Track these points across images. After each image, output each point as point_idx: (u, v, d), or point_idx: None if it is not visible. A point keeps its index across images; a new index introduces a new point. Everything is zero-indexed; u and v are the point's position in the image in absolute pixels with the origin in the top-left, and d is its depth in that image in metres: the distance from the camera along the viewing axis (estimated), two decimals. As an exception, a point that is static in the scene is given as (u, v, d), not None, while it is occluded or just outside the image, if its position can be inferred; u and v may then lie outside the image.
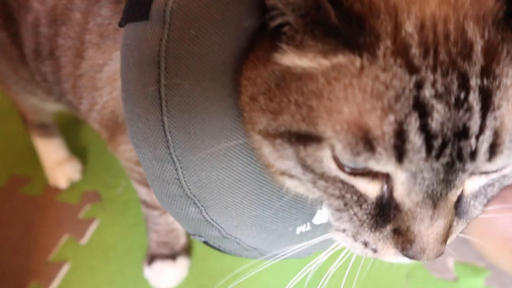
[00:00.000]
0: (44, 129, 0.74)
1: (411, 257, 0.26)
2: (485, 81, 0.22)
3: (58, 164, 0.74)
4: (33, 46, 0.52)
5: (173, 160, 0.29)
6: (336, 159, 0.24)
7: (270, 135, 0.27)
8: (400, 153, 0.22)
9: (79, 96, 0.51)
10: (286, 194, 0.33)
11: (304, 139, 0.25)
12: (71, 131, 0.82)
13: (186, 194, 0.31)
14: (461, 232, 0.61)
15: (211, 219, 0.32)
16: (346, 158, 0.24)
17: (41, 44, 0.51)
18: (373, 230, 0.27)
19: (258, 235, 0.34)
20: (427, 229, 0.25)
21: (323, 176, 0.26)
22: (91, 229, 0.68)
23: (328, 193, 0.27)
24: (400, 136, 0.22)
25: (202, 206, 0.31)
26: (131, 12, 0.30)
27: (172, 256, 0.60)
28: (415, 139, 0.22)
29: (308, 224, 0.35)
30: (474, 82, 0.22)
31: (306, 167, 0.26)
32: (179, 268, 0.60)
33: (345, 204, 0.27)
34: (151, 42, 0.28)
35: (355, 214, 0.27)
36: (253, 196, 0.32)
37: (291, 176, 0.28)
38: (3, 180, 0.76)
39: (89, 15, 0.47)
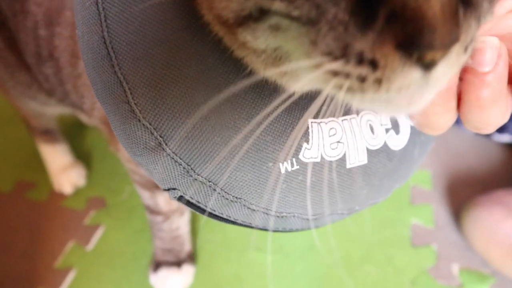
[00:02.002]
0: (49, 135, 0.74)
1: (420, 46, 0.19)
2: None
3: (63, 170, 0.75)
4: (34, 50, 0.53)
5: (120, 81, 0.26)
6: None
7: None
8: None
9: (80, 95, 0.52)
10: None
11: None
12: (75, 136, 0.82)
13: (140, 122, 0.26)
14: (467, 239, 0.61)
15: (173, 153, 0.27)
16: None
17: (41, 46, 0.52)
18: (362, 30, 0.20)
19: (233, 172, 0.28)
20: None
21: None
22: (96, 235, 0.68)
23: None
24: None
25: (160, 137, 0.27)
26: None
27: (177, 263, 0.61)
28: None
29: (294, 160, 0.29)
30: None
31: None
32: (184, 275, 0.61)
33: (318, 8, 0.20)
34: None
35: (334, 17, 0.20)
36: (217, 112, 0.27)
37: (246, 18, 0.22)
38: (10, 185, 0.77)
39: None
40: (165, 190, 0.30)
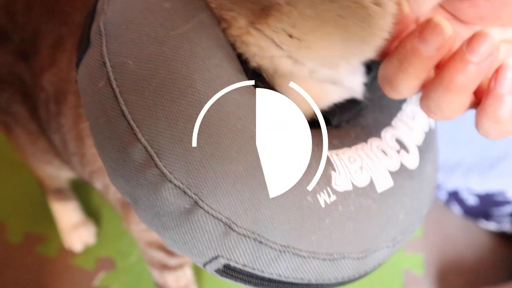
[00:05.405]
0: (60, 193, 0.77)
1: None
2: None
3: (73, 227, 0.77)
4: (46, 119, 0.56)
5: (144, 147, 0.26)
6: None
7: None
8: None
9: (89, 173, 0.55)
10: None
11: None
12: (85, 194, 0.84)
13: (171, 182, 0.25)
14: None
15: (212, 209, 0.26)
16: None
17: (51, 119, 0.55)
18: None
19: (273, 216, 0.26)
20: None
21: None
22: (105, 298, 0.71)
23: None
24: None
25: (195, 194, 0.25)
26: (79, 51, 0.31)
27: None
28: None
29: (329, 190, 0.29)
30: None
31: None
32: None
33: None
34: (95, 54, 0.28)
35: None
36: (245, 153, 0.26)
37: None
38: (20, 237, 0.79)
39: (80, 100, 0.50)
40: (205, 264, 0.28)
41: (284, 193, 0.27)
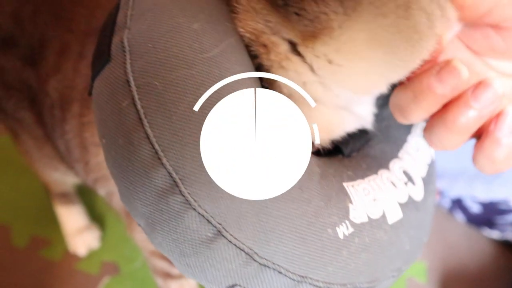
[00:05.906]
0: (66, 197, 0.78)
1: None
2: None
3: (78, 232, 0.77)
4: (51, 125, 0.57)
5: (169, 172, 0.25)
6: None
7: None
8: None
9: (93, 180, 0.55)
10: None
11: None
12: (90, 197, 0.84)
13: (195, 210, 0.25)
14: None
15: (235, 238, 0.25)
16: None
17: (56, 125, 0.55)
18: None
19: (294, 247, 0.26)
20: None
21: None
22: (110, 304, 0.71)
23: None
24: None
25: (219, 224, 0.25)
26: (96, 63, 0.29)
27: None
28: None
29: (347, 222, 0.29)
30: None
31: None
32: None
33: None
34: (117, 70, 0.27)
35: None
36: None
37: None
38: (25, 240, 0.79)
39: (84, 108, 0.50)
40: None
41: (306, 225, 0.27)
